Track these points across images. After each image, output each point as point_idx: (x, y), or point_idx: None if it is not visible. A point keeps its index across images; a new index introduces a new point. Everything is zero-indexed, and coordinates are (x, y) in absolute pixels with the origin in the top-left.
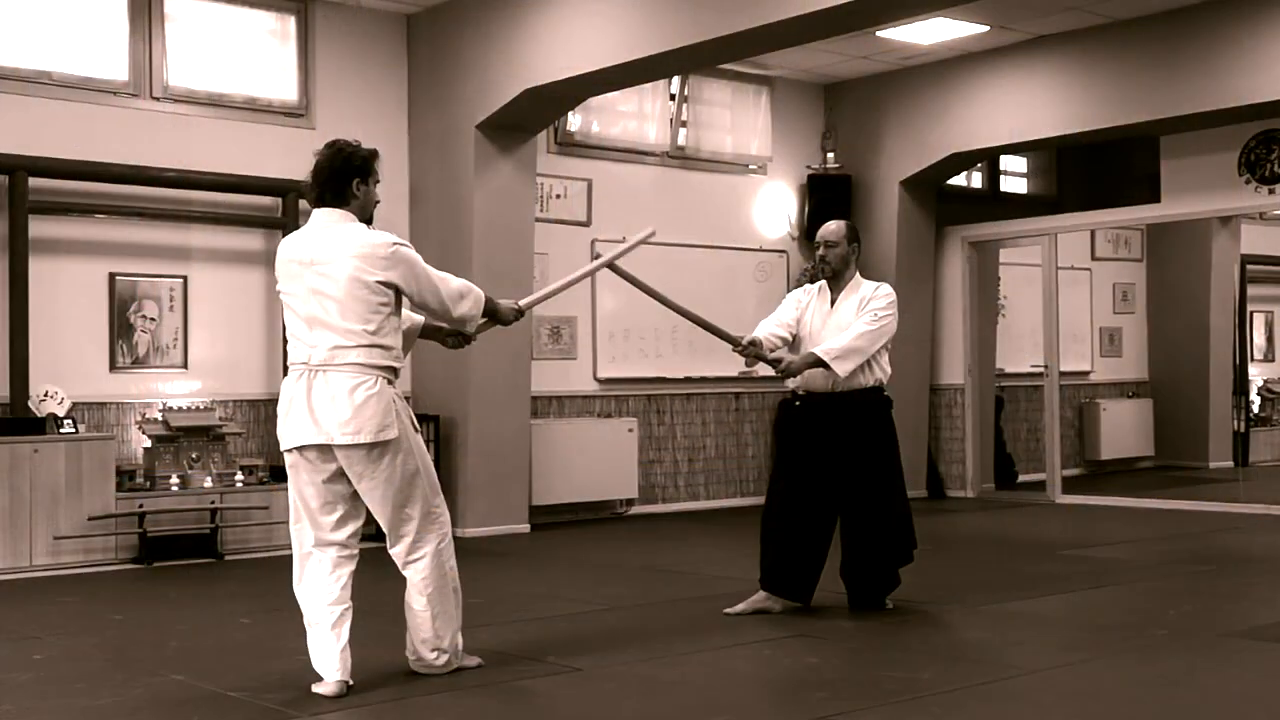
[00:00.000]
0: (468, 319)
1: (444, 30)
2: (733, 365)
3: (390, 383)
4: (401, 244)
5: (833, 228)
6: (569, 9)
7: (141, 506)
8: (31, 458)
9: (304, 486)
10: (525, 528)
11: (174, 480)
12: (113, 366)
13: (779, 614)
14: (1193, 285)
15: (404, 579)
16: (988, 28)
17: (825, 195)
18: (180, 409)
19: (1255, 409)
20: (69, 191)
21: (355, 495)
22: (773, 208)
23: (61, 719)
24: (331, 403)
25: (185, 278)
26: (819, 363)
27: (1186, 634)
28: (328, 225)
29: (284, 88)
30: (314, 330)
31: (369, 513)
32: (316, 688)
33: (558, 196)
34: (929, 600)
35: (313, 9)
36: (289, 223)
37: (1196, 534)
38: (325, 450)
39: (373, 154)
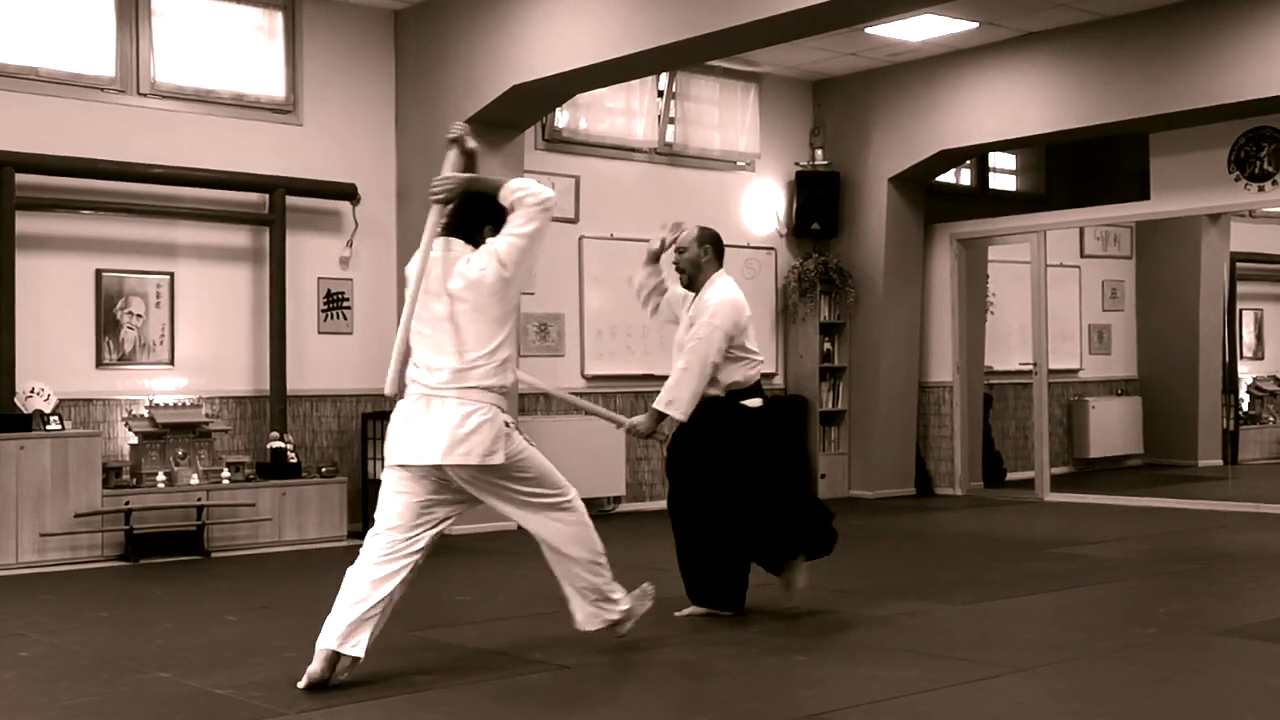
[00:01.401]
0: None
1: (431, 26)
2: None
3: (502, 408)
4: (499, 243)
5: (685, 233)
6: (557, 5)
7: (128, 504)
8: (17, 455)
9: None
10: (513, 525)
11: (160, 477)
12: (99, 363)
13: (750, 614)
14: (1182, 283)
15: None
16: (976, 25)
17: (813, 192)
18: (167, 406)
19: (1244, 407)
20: (56, 188)
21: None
22: (761, 204)
23: (47, 717)
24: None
25: (172, 274)
26: (661, 414)
27: (1175, 632)
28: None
29: (271, 84)
30: (437, 356)
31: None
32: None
33: None
34: (916, 599)
35: (300, 5)
36: (276, 219)
37: (1185, 532)
38: (434, 469)
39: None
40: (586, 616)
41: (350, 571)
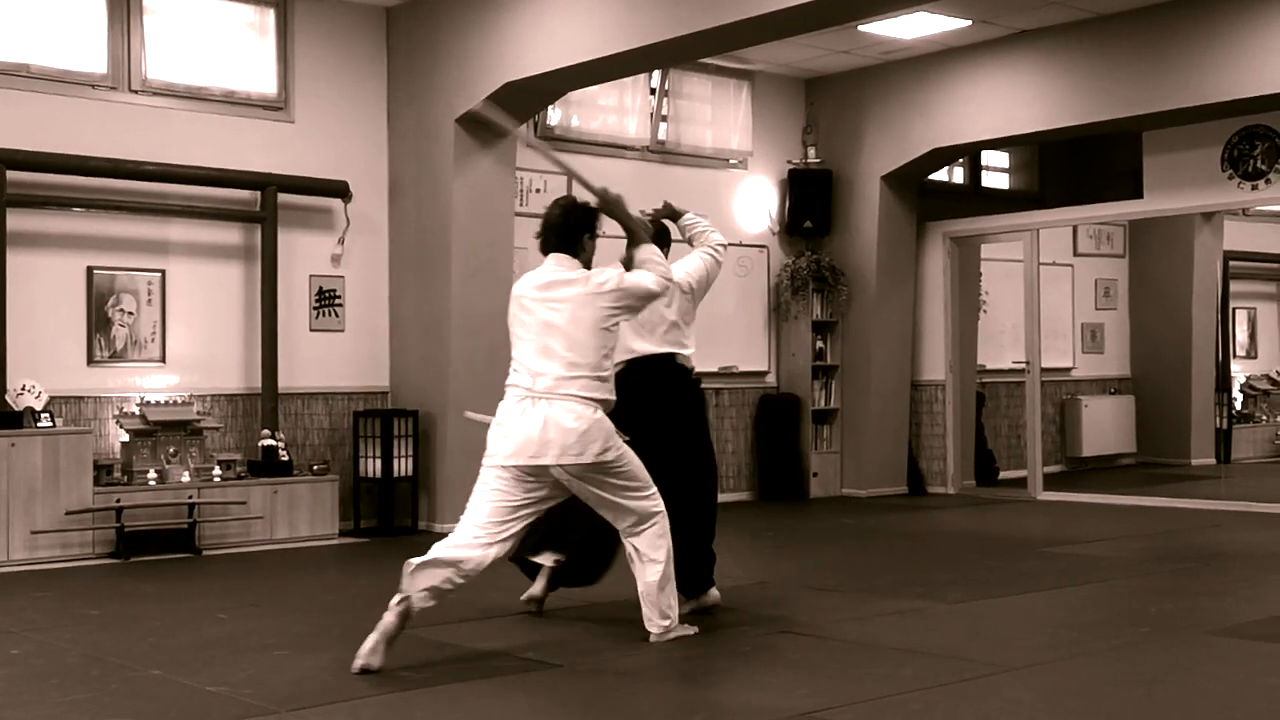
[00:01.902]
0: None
1: (423, 24)
2: (712, 361)
3: (607, 412)
4: (628, 278)
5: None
6: (549, 3)
7: (119, 501)
8: (9, 452)
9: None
10: None
11: (151, 475)
12: (90, 360)
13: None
14: (1175, 281)
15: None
16: (970, 22)
17: (806, 190)
18: (158, 403)
19: (1237, 406)
20: (47, 185)
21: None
22: (753, 203)
23: (38, 714)
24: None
25: (163, 272)
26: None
27: (1168, 632)
28: (563, 266)
29: (263, 81)
30: (541, 361)
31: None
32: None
33: (537, 190)
34: (908, 597)
35: (292, 2)
36: (268, 216)
37: (1178, 531)
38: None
39: (599, 212)
40: (645, 618)
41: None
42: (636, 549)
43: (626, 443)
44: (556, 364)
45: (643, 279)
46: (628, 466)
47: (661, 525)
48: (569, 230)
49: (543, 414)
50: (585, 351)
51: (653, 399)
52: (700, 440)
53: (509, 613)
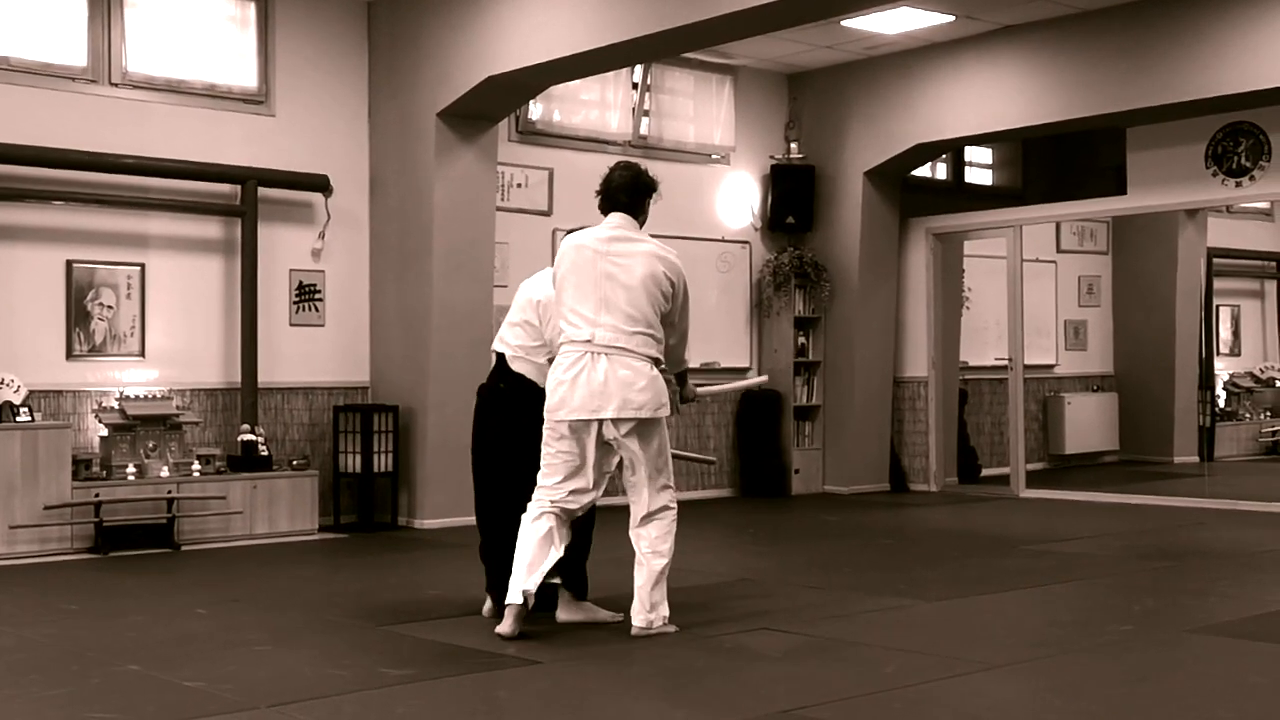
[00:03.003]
0: (682, 364)
1: (405, 17)
2: (694, 357)
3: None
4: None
5: None
6: None
7: (98, 496)
8: None
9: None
10: None
11: (130, 470)
12: (69, 354)
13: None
14: (1159, 278)
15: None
16: (953, 18)
17: (788, 186)
18: (137, 398)
19: (1221, 404)
20: (26, 178)
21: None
22: (736, 198)
23: (17, 709)
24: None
25: (143, 265)
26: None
27: (1150, 629)
28: (626, 225)
29: (244, 75)
30: (600, 313)
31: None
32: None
33: (519, 185)
34: (890, 595)
35: None
36: (248, 210)
37: (1161, 529)
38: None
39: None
40: (633, 610)
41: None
42: (643, 539)
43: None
44: (616, 317)
45: (685, 315)
46: (665, 440)
47: (670, 522)
48: (637, 191)
49: (603, 368)
50: (644, 308)
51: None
52: None
53: (490, 609)
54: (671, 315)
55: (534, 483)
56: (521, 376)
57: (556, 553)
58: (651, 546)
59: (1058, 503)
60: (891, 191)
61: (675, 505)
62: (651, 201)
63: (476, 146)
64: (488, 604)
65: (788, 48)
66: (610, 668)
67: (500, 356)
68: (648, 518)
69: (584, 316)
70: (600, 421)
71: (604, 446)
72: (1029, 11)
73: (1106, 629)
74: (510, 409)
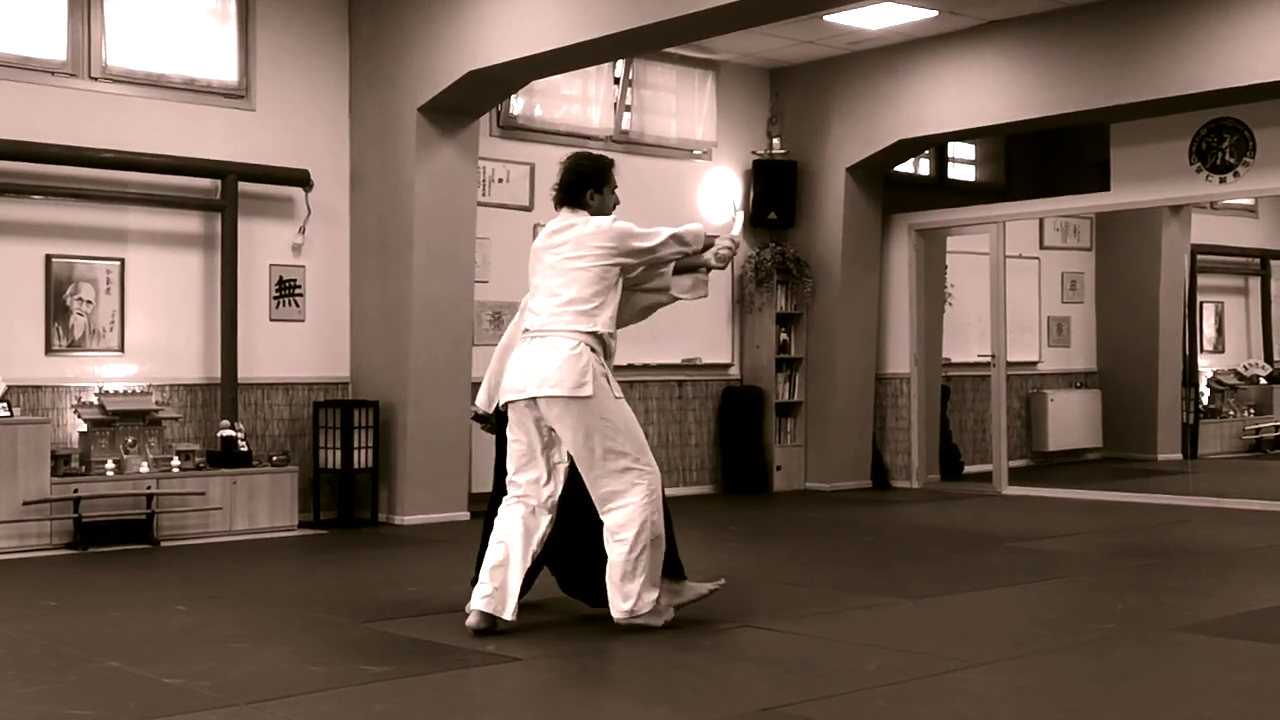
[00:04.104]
0: (693, 258)
1: (386, 11)
2: (675, 353)
3: (593, 349)
4: (619, 222)
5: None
6: None
7: (76, 491)
8: None
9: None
10: (465, 515)
11: (110, 465)
12: (48, 349)
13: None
14: (1142, 275)
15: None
16: (936, 13)
17: (771, 181)
18: (116, 393)
19: (1204, 401)
20: (5, 172)
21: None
22: (717, 194)
23: None
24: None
25: (122, 260)
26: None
27: (1134, 627)
28: (566, 216)
29: (224, 69)
30: (541, 302)
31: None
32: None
33: (500, 180)
34: (873, 592)
35: None
36: (228, 205)
37: (1144, 527)
38: (531, 403)
39: (608, 164)
40: (610, 601)
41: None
42: (606, 530)
43: None
44: (550, 301)
45: (642, 235)
46: (612, 420)
47: (637, 509)
48: (575, 185)
49: (531, 350)
50: (575, 287)
51: None
52: None
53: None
54: (635, 264)
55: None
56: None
57: (520, 559)
58: (611, 535)
59: (1040, 500)
60: (874, 187)
61: (641, 492)
62: (604, 187)
63: (457, 141)
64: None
65: (770, 43)
66: (590, 664)
67: None
68: (603, 509)
69: (532, 310)
70: (536, 406)
71: (549, 433)
72: (1012, 7)
73: (1089, 627)
74: None
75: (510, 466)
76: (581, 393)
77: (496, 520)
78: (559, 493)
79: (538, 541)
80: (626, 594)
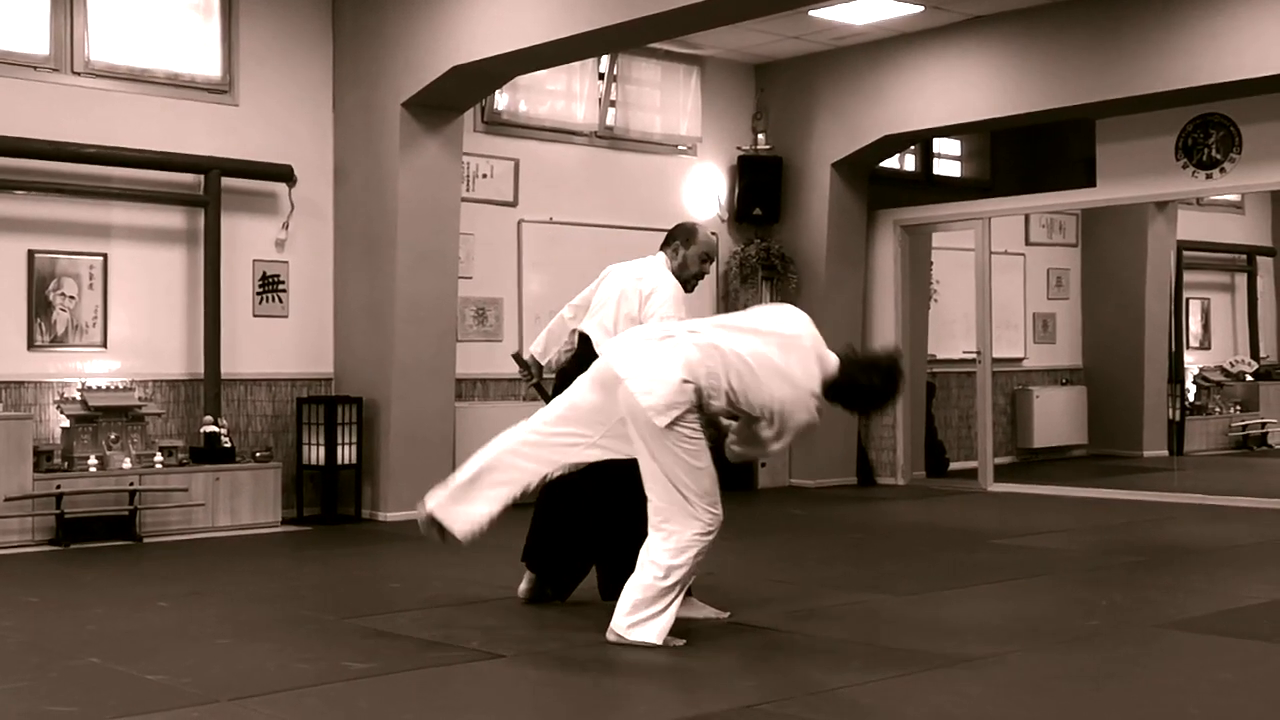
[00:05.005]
0: None
1: (369, 6)
2: None
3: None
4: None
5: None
6: None
7: (59, 487)
8: None
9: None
10: None
11: (92, 461)
12: (31, 345)
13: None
14: (1128, 271)
15: None
16: (922, 8)
17: (756, 177)
18: (99, 389)
19: (1190, 397)
20: None
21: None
22: (702, 189)
23: None
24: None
25: (105, 255)
26: None
27: (1119, 625)
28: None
29: (207, 64)
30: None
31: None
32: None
33: (484, 176)
34: (858, 590)
35: None
36: (211, 200)
37: (1130, 524)
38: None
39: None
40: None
41: None
42: (648, 543)
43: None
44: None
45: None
46: (683, 464)
47: (682, 542)
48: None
49: (665, 347)
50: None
51: None
52: None
53: (450, 602)
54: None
55: (606, 467)
56: None
57: (499, 491)
58: (647, 554)
59: (1026, 497)
60: (859, 183)
61: (696, 533)
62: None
63: (441, 137)
64: (524, 582)
65: (755, 38)
66: (574, 662)
67: (584, 338)
68: (653, 523)
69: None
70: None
71: (619, 424)
72: (998, 3)
73: (1075, 624)
74: None
75: (555, 407)
76: (660, 420)
77: (503, 435)
78: (568, 469)
79: (524, 488)
80: (639, 618)
